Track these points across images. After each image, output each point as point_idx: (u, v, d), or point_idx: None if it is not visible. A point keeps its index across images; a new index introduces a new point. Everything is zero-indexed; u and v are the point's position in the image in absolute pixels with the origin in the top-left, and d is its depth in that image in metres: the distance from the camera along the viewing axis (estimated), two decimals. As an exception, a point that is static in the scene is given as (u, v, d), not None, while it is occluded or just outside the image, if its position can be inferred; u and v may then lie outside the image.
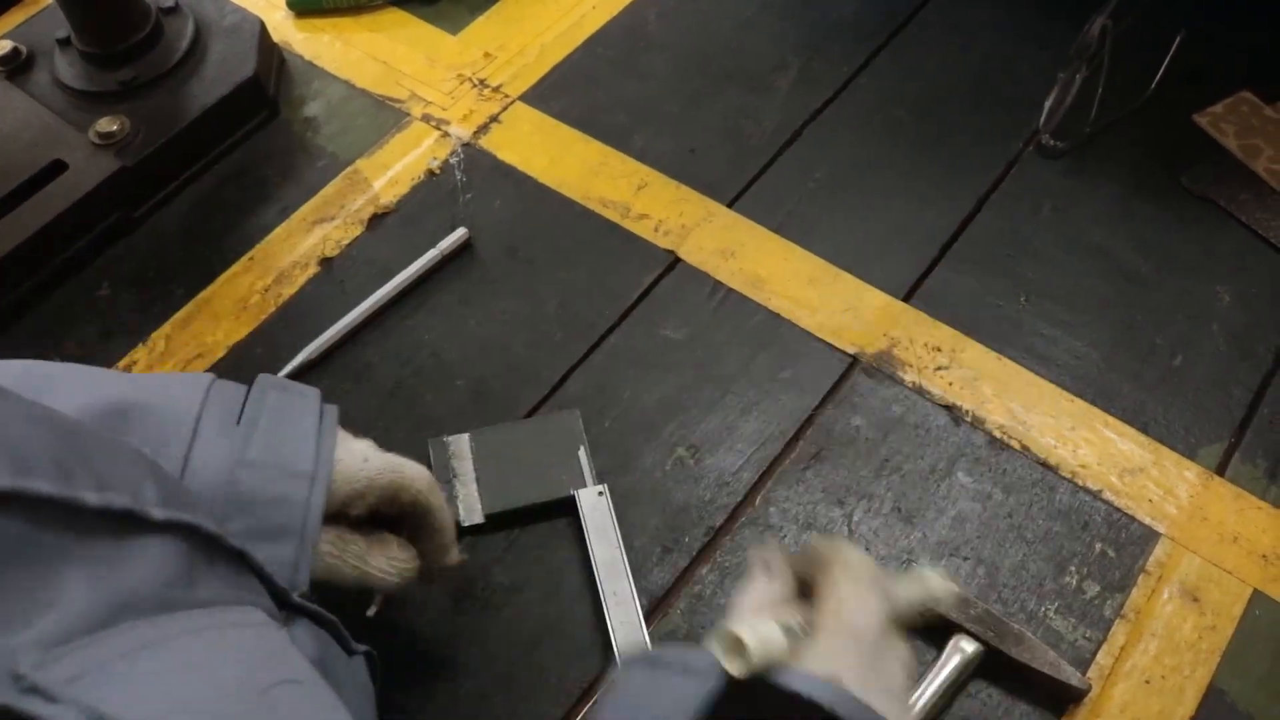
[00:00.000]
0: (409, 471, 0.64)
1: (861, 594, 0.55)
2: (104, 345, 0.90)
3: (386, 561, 0.62)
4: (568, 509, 0.78)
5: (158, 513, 0.41)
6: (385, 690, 0.61)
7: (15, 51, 1.02)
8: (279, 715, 0.36)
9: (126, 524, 0.40)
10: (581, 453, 0.81)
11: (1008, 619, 0.73)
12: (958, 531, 0.79)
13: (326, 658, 0.53)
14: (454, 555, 0.68)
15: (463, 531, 0.78)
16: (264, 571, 0.49)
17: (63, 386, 0.55)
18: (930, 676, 0.71)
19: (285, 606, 0.52)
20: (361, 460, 0.62)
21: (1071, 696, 0.72)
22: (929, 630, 0.73)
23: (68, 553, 0.36)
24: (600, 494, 0.78)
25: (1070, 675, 0.72)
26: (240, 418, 0.58)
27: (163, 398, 0.57)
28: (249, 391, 0.60)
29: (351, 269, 0.94)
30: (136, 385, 0.58)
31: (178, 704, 0.34)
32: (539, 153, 1.01)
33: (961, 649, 0.72)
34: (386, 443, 0.83)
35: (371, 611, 0.65)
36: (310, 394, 0.62)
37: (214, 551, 0.45)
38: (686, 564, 0.78)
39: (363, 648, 0.59)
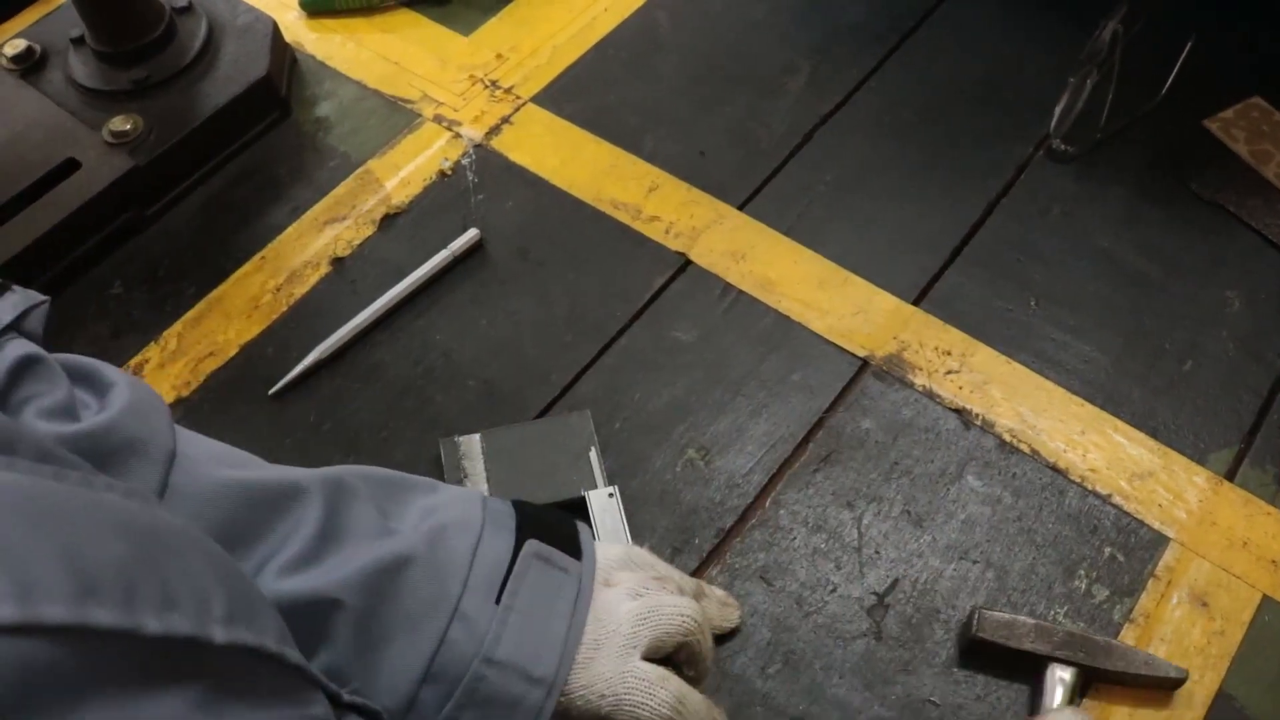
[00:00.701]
0: (672, 629, 0.62)
1: None
2: (115, 342, 0.90)
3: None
4: (578, 510, 0.79)
5: (219, 634, 0.37)
6: None
7: (29, 50, 1.03)
8: None
9: (181, 649, 0.36)
10: (592, 454, 0.81)
11: (1088, 634, 0.73)
12: (967, 535, 0.79)
13: None
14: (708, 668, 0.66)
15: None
16: (319, 679, 0.45)
17: (351, 532, 0.58)
18: (1042, 716, 0.71)
19: (338, 704, 0.50)
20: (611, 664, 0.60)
21: (1169, 687, 0.73)
22: (1018, 667, 0.73)
23: (97, 683, 0.33)
24: (610, 495, 0.78)
25: (1167, 669, 0.72)
26: (500, 595, 0.58)
27: (433, 553, 0.58)
28: (514, 559, 0.60)
29: (363, 269, 0.94)
30: (415, 533, 0.59)
31: None
32: (550, 154, 1.01)
33: (1061, 679, 0.72)
34: (397, 442, 0.83)
35: None
36: (572, 575, 0.61)
37: (264, 667, 0.41)
38: (696, 565, 0.78)
39: None
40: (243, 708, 0.38)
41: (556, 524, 0.64)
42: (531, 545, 0.61)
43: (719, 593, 0.75)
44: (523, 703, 0.56)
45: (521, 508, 0.64)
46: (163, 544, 0.39)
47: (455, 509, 0.61)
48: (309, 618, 0.55)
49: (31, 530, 0.34)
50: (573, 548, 0.63)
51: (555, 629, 0.58)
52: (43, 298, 0.63)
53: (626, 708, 0.58)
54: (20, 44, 1.03)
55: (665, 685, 0.60)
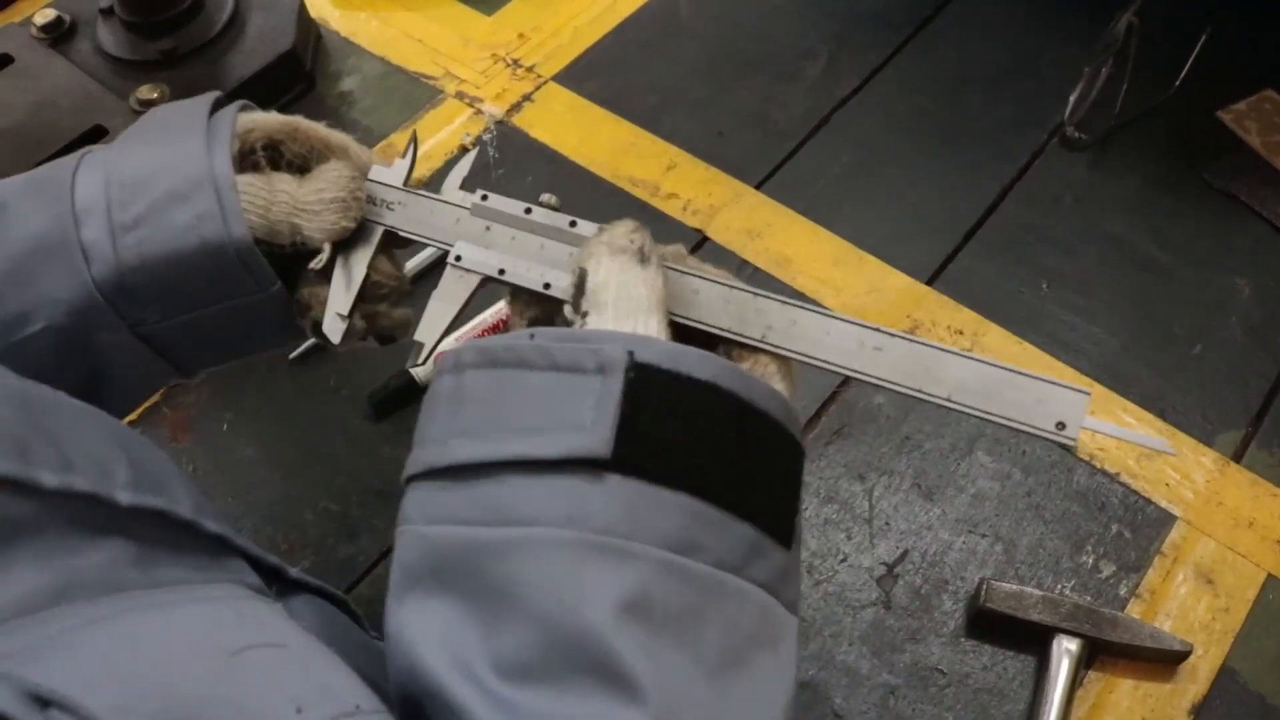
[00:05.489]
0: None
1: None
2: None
3: (318, 193, 0.54)
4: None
5: (124, 497, 0.40)
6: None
7: (59, 20, 1.04)
8: (248, 676, 0.34)
9: (89, 506, 0.39)
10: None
11: (1094, 606, 0.74)
12: (977, 509, 0.80)
13: (335, 630, 0.51)
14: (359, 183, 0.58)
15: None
16: (250, 550, 0.47)
17: None
18: (1048, 687, 0.72)
19: (283, 582, 0.50)
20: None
21: (1173, 660, 0.74)
22: (1025, 638, 0.74)
23: (14, 534, 0.36)
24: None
25: (1172, 642, 0.73)
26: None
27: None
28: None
29: (384, 240, 0.95)
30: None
31: (123, 673, 0.32)
32: (570, 132, 1.03)
33: (1067, 650, 0.73)
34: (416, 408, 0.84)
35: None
36: (202, 99, 0.57)
37: (186, 535, 0.43)
38: (709, 533, 0.79)
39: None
40: (174, 568, 0.41)
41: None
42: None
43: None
44: (184, 163, 0.52)
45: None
46: (56, 415, 0.42)
47: None
48: None
49: None
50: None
51: (192, 117, 0.55)
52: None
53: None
54: (50, 13, 1.05)
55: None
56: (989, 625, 0.75)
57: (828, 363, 0.47)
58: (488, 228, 0.54)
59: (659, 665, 0.37)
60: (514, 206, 0.54)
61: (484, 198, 0.54)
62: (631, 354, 0.40)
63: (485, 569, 0.39)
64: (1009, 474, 0.82)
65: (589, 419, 0.39)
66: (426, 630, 0.39)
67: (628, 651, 0.36)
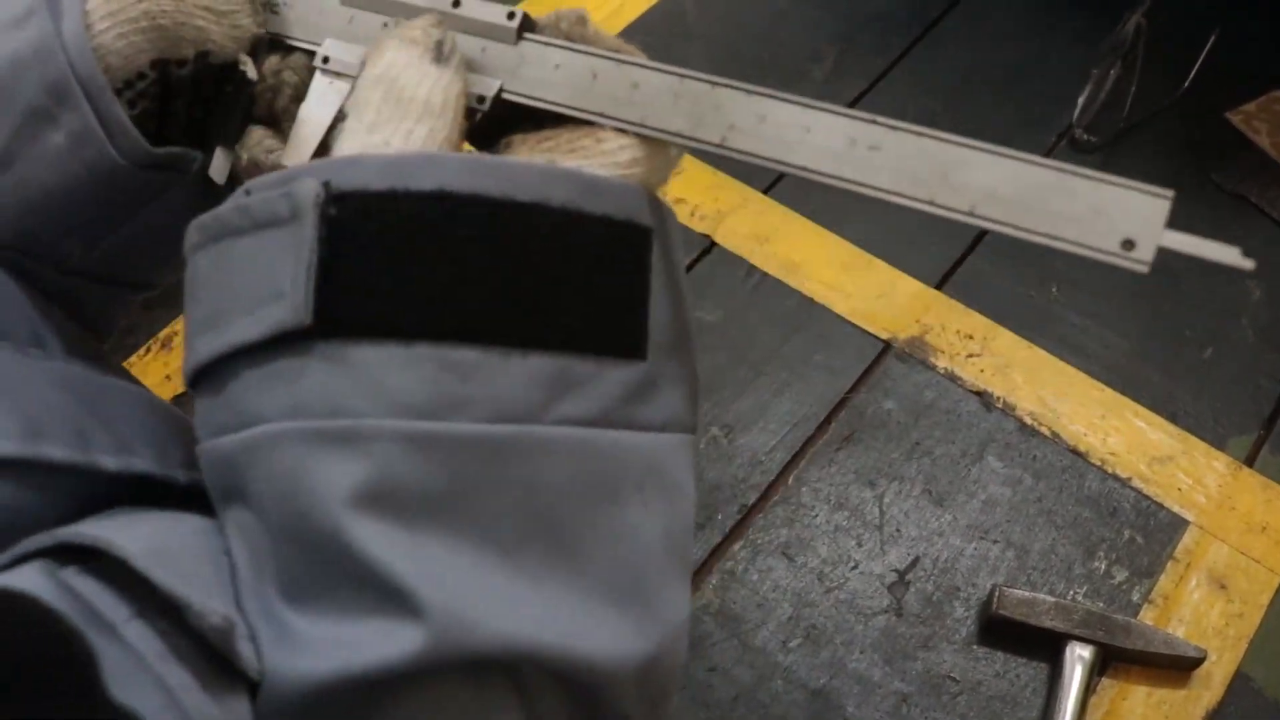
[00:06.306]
0: None
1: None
2: (146, 315, 0.91)
3: None
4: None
5: (183, 477, 0.38)
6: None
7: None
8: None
9: (147, 485, 0.37)
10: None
11: (1108, 613, 0.74)
12: (988, 515, 0.80)
13: None
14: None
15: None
16: None
17: None
18: (1061, 694, 0.71)
19: None
20: None
21: (1187, 667, 0.73)
22: (1037, 645, 0.74)
23: (79, 517, 0.34)
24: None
25: (1185, 648, 0.73)
26: None
27: None
28: None
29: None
30: None
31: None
32: (576, 136, 1.02)
33: (1080, 656, 0.72)
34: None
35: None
36: None
37: None
38: (719, 540, 0.79)
39: None
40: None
41: None
42: None
43: None
44: (58, 113, 0.40)
45: None
46: (109, 400, 0.40)
47: None
48: None
49: None
50: None
51: None
52: None
53: None
54: None
55: None
56: (1001, 632, 0.75)
57: (807, 169, 0.36)
58: (385, 25, 0.42)
59: (424, 561, 0.31)
60: None
61: None
62: (327, 185, 0.32)
63: (238, 484, 0.34)
64: (1020, 479, 0.82)
65: (287, 283, 0.32)
66: (235, 552, 0.34)
67: (381, 554, 0.30)
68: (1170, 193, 0.32)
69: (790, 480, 0.81)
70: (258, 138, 0.43)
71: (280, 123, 0.43)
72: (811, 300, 0.91)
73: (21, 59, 0.39)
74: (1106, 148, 1.00)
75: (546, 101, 0.38)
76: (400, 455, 0.31)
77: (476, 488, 0.32)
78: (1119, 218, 0.33)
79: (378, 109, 0.35)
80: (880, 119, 0.35)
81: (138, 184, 0.42)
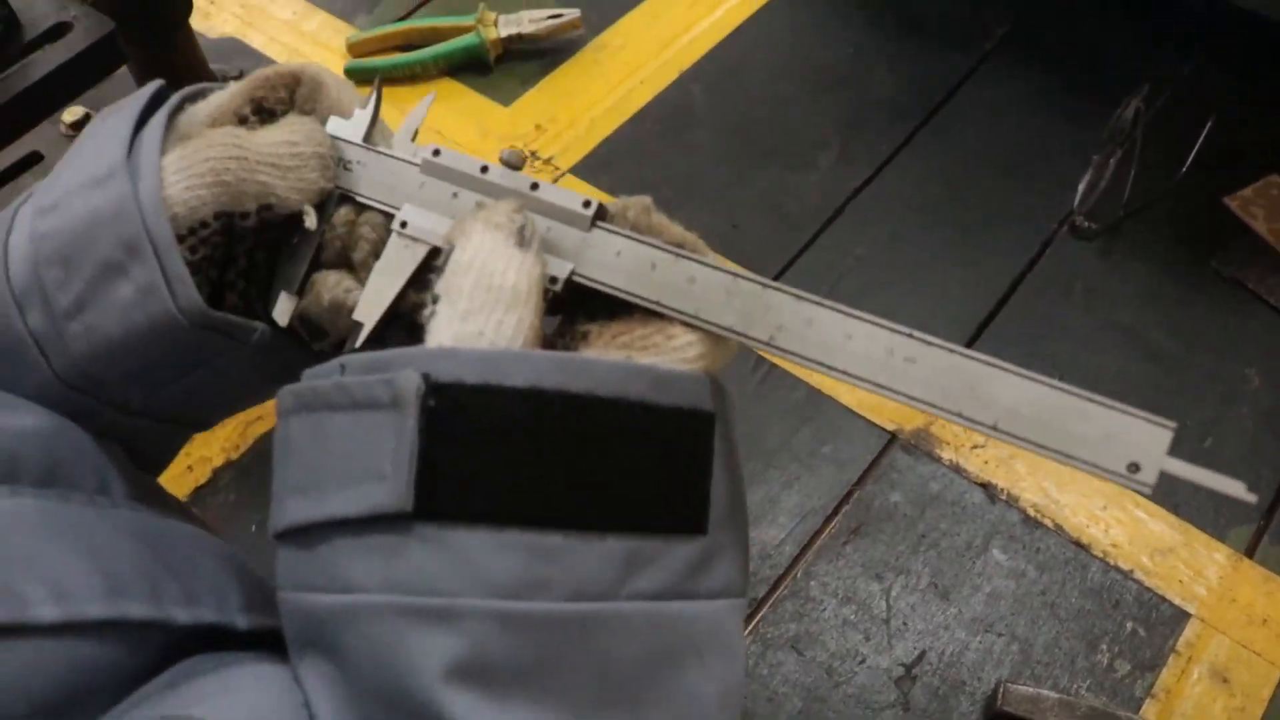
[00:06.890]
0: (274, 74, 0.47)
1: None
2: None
3: (289, 146, 0.45)
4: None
5: (242, 621, 0.41)
6: None
7: (87, 117, 1.07)
8: None
9: (211, 633, 0.39)
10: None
11: (1112, 709, 0.75)
12: (992, 608, 0.82)
13: None
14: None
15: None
16: None
17: None
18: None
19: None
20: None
21: None
22: None
23: (153, 674, 0.37)
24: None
25: None
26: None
27: None
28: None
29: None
30: None
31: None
32: (588, 225, 1.05)
33: None
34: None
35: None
36: (136, 96, 0.45)
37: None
38: (730, 635, 0.80)
39: None
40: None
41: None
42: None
43: None
44: (99, 216, 0.42)
45: None
46: (174, 547, 0.42)
47: None
48: None
49: (54, 542, 0.38)
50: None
51: (117, 125, 0.44)
52: None
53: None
54: (79, 110, 1.08)
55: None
56: (1007, 728, 0.76)
57: (847, 373, 0.40)
58: (455, 195, 0.46)
59: None
60: (469, 164, 0.46)
61: (435, 153, 0.46)
62: (427, 377, 0.34)
63: (330, 641, 0.36)
64: (1024, 571, 0.83)
65: (388, 466, 0.35)
66: (317, 704, 0.37)
67: None
68: (1173, 424, 0.35)
69: (799, 574, 0.83)
70: (336, 279, 0.45)
71: (356, 272, 0.45)
72: (819, 391, 0.93)
73: (101, 216, 0.41)
74: (1107, 234, 1.03)
75: (610, 287, 0.41)
76: (492, 633, 0.33)
77: (559, 660, 0.34)
78: (1126, 443, 0.37)
79: (469, 296, 0.37)
80: (917, 334, 0.39)
81: (197, 342, 0.44)
